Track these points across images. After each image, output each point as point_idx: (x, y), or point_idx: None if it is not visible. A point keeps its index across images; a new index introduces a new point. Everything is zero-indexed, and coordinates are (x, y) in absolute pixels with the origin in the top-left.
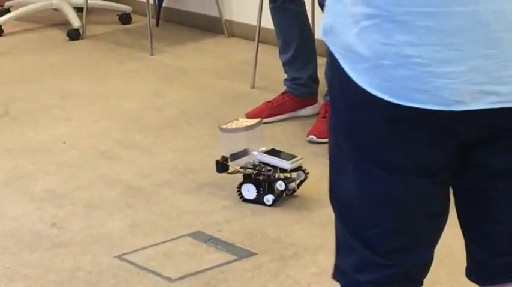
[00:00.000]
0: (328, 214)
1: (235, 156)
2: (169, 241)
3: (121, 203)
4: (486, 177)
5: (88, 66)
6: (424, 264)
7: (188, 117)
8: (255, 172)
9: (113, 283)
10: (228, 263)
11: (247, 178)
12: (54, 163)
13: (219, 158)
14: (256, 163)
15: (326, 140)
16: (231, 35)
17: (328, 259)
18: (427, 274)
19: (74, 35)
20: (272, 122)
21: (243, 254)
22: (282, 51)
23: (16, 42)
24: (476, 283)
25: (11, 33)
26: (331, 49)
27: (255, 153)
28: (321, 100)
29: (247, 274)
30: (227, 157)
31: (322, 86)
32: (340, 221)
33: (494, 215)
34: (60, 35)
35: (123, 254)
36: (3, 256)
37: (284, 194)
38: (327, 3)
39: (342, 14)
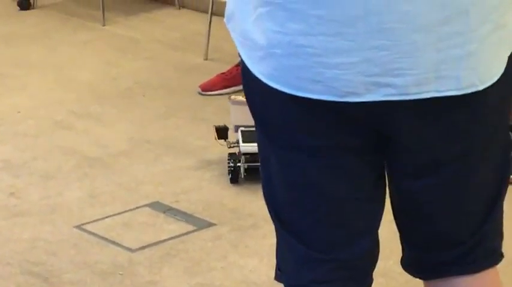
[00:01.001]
0: None
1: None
2: (128, 211)
3: (78, 173)
4: (401, 178)
5: (40, 36)
6: (366, 255)
7: (143, 88)
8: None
9: (73, 253)
10: (187, 233)
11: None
12: (10, 133)
13: (174, 129)
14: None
15: None
16: (182, 6)
17: None
18: (374, 266)
19: (25, 4)
20: (226, 93)
21: (202, 224)
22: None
23: None
24: (411, 275)
25: None
26: (232, 36)
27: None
28: None
29: (207, 244)
30: (234, 126)
31: None
32: (275, 217)
33: (417, 215)
34: (11, 4)
35: (83, 224)
36: None
37: None
38: None
39: (242, 0)
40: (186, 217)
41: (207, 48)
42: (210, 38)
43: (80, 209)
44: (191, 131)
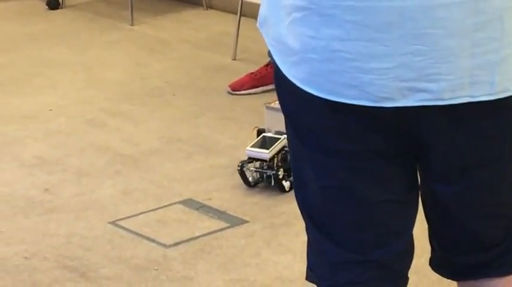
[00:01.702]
0: None
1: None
2: (161, 208)
3: (111, 170)
4: (432, 181)
5: (69, 35)
6: (401, 255)
7: (172, 87)
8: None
9: (108, 248)
10: (220, 230)
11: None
12: (43, 130)
13: (204, 128)
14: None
15: None
16: (209, 7)
17: None
18: (409, 266)
19: (54, 4)
20: (255, 93)
21: (235, 221)
22: None
23: None
24: (442, 276)
25: None
26: (266, 40)
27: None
28: None
29: (240, 241)
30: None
31: None
32: (308, 219)
33: (449, 218)
34: (40, 4)
35: (117, 220)
36: None
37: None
38: None
39: (275, 5)
40: (219, 214)
41: (236, 48)
42: (238, 38)
43: (113, 205)
44: (221, 130)
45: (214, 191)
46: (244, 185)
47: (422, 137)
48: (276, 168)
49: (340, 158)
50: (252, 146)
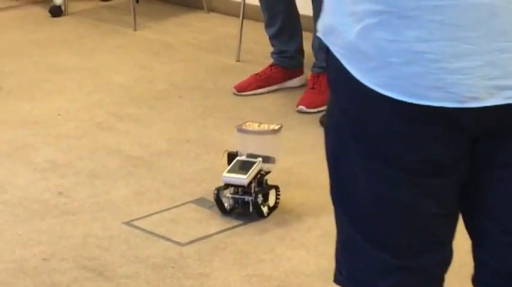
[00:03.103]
0: (325, 180)
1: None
2: (174, 207)
3: (123, 172)
4: (488, 168)
5: (73, 42)
6: (444, 263)
7: (178, 90)
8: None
9: (125, 248)
10: (234, 227)
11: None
12: (53, 135)
13: (212, 128)
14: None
15: (315, 110)
16: (210, 10)
17: (330, 222)
18: (447, 271)
19: (57, 11)
20: (261, 94)
21: (247, 219)
22: (268, 25)
23: None
24: None
25: None
26: (332, 50)
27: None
28: (307, 72)
29: (254, 238)
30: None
31: (308, 59)
32: (350, 223)
33: (495, 213)
34: (43, 11)
35: (131, 220)
36: (15, 223)
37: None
38: (325, 4)
39: (342, 13)
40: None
41: (239, 50)
42: (241, 40)
43: (127, 206)
44: (229, 130)
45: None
46: None
47: (493, 129)
48: (254, 194)
49: (399, 168)
50: (228, 172)
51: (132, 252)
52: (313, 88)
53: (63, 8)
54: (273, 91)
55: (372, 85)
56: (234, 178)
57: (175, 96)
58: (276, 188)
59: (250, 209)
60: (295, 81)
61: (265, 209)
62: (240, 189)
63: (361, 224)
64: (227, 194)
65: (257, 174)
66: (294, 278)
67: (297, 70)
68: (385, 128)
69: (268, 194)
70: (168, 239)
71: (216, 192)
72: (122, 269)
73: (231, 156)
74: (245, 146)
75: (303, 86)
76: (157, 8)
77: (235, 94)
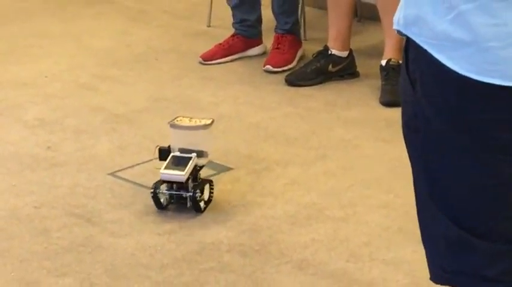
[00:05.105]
0: (295, 131)
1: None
2: (154, 159)
3: (106, 127)
4: None
5: (57, 9)
6: None
7: (155, 53)
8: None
9: (110, 196)
10: (208, 177)
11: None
12: (41, 95)
13: (187, 88)
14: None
15: (280, 69)
16: None
17: (297, 172)
18: None
19: None
20: (225, 62)
21: (220, 169)
22: None
23: None
24: None
25: None
26: (418, 40)
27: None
28: (266, 41)
29: (227, 186)
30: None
31: (266, 26)
32: (451, 219)
33: None
34: None
35: (115, 171)
36: (8, 175)
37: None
38: None
39: (430, 2)
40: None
41: (210, 17)
42: (212, 8)
43: (111, 158)
44: (202, 89)
45: None
46: (227, 137)
47: None
48: (192, 190)
49: (508, 153)
50: (165, 168)
51: (116, 200)
52: (278, 48)
53: None
54: (237, 59)
55: (467, 72)
56: (172, 174)
57: (153, 59)
58: (210, 182)
59: (188, 205)
60: (255, 50)
61: (201, 204)
62: (175, 184)
63: (465, 216)
64: (163, 190)
65: (193, 169)
66: (264, 222)
67: (257, 39)
68: (488, 113)
69: (203, 188)
70: (149, 188)
71: (153, 188)
72: (108, 215)
73: (163, 151)
74: (178, 141)
75: (262, 54)
76: None
77: (201, 63)
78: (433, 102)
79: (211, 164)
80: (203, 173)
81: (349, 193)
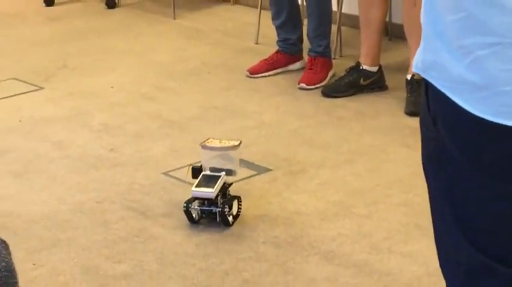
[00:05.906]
0: (328, 137)
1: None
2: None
3: (162, 132)
4: None
5: (124, 28)
6: None
7: (207, 67)
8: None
9: (162, 193)
10: (250, 177)
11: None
12: (106, 103)
13: (234, 98)
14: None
15: (313, 86)
16: (236, 2)
17: (328, 173)
18: None
19: (111, 4)
20: (269, 76)
21: (261, 170)
22: (274, 18)
23: (65, 11)
24: None
25: (61, 3)
26: (436, 84)
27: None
28: (305, 56)
29: (265, 186)
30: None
31: (306, 45)
32: (472, 246)
33: None
34: (100, 4)
35: (168, 171)
36: (75, 174)
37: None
38: (423, 41)
39: (446, 48)
40: (248, 164)
41: (257, 35)
42: (260, 27)
43: (165, 160)
44: (247, 99)
45: (244, 147)
46: (267, 142)
47: None
48: (221, 205)
49: None
50: (196, 186)
51: (168, 196)
52: (311, 69)
53: (116, 1)
54: (279, 73)
55: (483, 114)
56: (203, 192)
57: (205, 72)
58: (238, 198)
59: (217, 219)
60: (296, 65)
61: (230, 218)
62: (206, 201)
63: (485, 244)
64: (195, 206)
65: (222, 187)
66: (296, 217)
67: (298, 55)
68: (502, 152)
69: (232, 204)
70: None
71: (185, 205)
72: (159, 210)
73: (195, 170)
74: (208, 161)
75: (302, 69)
76: (192, 1)
77: (248, 77)
78: (455, 140)
79: (252, 166)
80: (244, 174)
81: (373, 193)
